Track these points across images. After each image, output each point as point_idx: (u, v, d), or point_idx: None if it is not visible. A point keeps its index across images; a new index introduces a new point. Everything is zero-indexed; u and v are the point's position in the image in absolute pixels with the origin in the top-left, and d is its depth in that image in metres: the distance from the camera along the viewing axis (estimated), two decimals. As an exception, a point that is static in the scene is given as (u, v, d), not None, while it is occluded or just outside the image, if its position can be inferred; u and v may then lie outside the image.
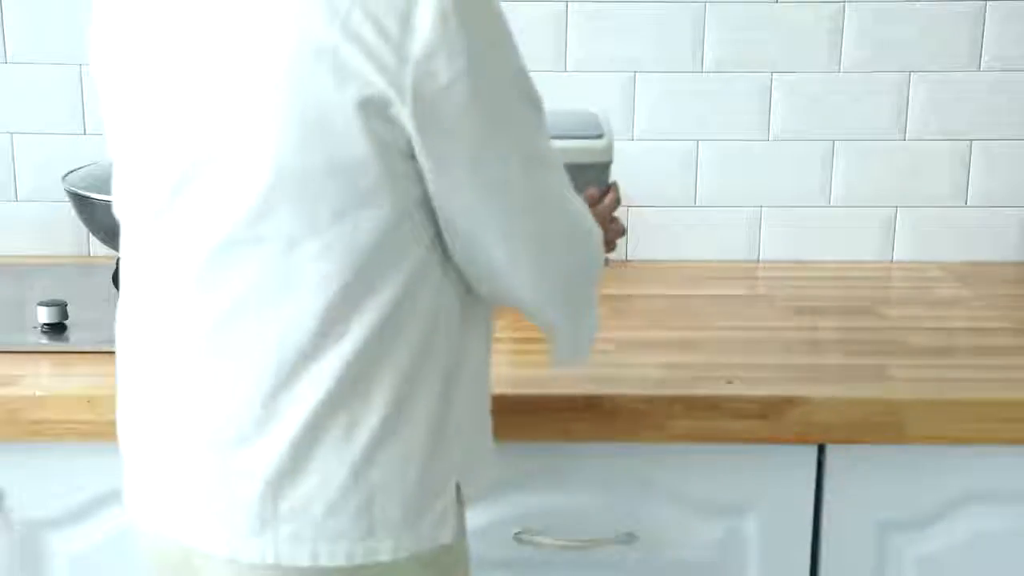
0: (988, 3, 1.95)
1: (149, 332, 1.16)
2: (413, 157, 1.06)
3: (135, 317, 1.19)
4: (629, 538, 1.49)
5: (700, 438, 1.45)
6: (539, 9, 1.90)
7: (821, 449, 1.48)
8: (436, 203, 1.09)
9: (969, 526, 1.50)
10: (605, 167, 1.52)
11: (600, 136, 1.52)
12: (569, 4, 1.90)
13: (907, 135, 2.00)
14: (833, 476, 1.49)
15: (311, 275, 1.06)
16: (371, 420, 1.09)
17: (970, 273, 1.97)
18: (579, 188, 1.20)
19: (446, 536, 1.17)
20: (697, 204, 2.01)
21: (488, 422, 1.26)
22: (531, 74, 1.11)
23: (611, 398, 1.45)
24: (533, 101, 1.11)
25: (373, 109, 1.01)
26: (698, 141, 1.99)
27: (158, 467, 1.18)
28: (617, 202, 1.48)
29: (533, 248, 1.14)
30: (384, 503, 1.11)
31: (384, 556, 1.12)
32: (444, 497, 1.16)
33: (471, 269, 1.14)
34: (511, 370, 1.48)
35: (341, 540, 1.11)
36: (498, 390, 1.33)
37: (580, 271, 1.22)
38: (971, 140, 2.00)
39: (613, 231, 1.46)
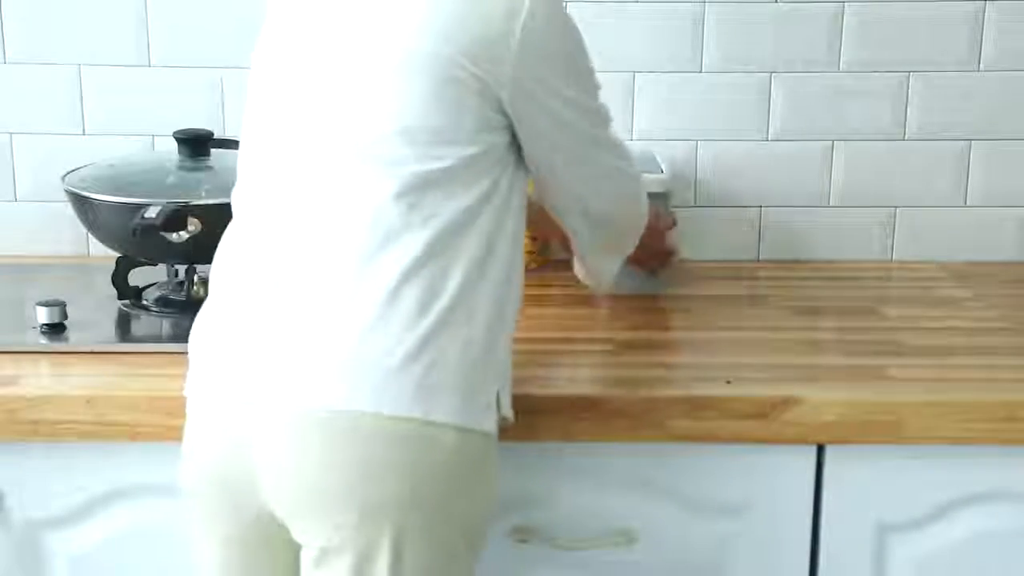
0: (988, 3, 1.95)
1: (260, 231, 1.32)
2: (503, 112, 1.29)
3: (253, 219, 1.34)
4: (629, 538, 1.49)
5: (700, 438, 1.45)
6: (539, 9, 1.90)
7: (820, 449, 1.48)
8: (522, 142, 1.33)
9: (968, 526, 1.50)
10: (667, 196, 1.81)
11: (662, 171, 1.86)
12: (569, 4, 1.90)
13: (907, 135, 2.00)
14: (832, 476, 1.49)
15: (404, 172, 1.25)
16: (445, 296, 1.24)
17: (970, 273, 1.97)
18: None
19: (489, 425, 1.28)
20: (697, 204, 2.01)
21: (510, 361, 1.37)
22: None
23: (611, 398, 1.45)
24: (597, 81, 1.39)
25: (480, 59, 1.25)
26: (697, 141, 2.00)
27: (245, 342, 1.28)
28: (673, 223, 1.79)
29: (576, 165, 1.39)
30: (445, 372, 1.24)
31: (438, 417, 1.23)
32: (489, 394, 1.28)
33: (533, 162, 1.36)
34: (511, 370, 1.48)
35: (404, 395, 1.22)
36: (498, 390, 1.34)
37: (611, 194, 1.46)
38: (971, 140, 2.00)
39: (670, 246, 1.79)
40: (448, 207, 1.25)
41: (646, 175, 1.71)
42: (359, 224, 1.25)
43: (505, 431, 1.33)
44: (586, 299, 1.78)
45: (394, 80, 1.26)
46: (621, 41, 1.94)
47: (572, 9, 1.88)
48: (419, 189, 1.25)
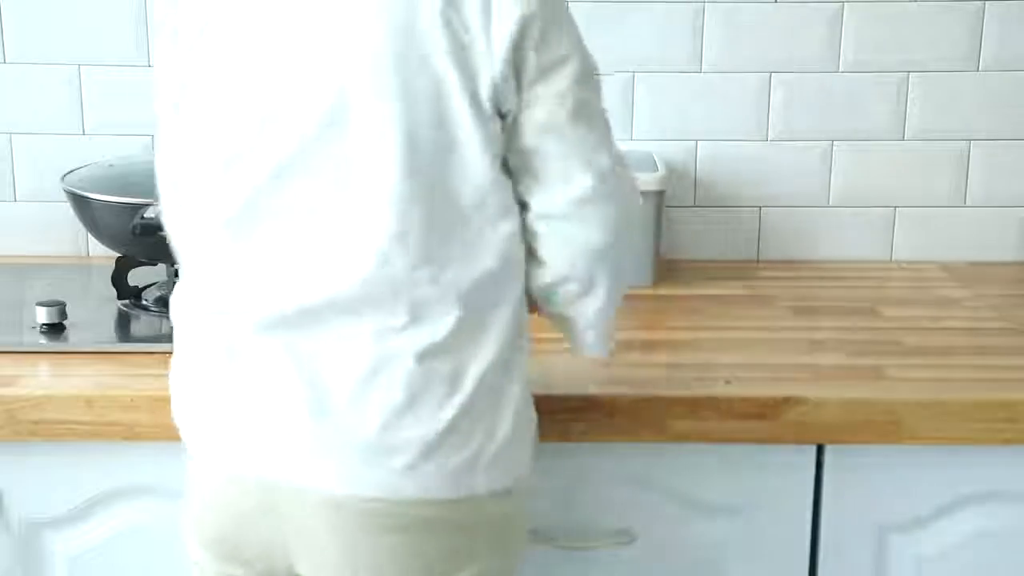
0: (988, 3, 1.95)
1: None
2: (501, 116, 1.18)
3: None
4: (628, 538, 1.49)
5: (700, 438, 1.45)
6: (539, 9, 1.89)
7: (820, 449, 1.48)
8: (520, 128, 1.21)
9: (968, 526, 1.50)
10: (661, 194, 1.86)
11: (657, 170, 1.87)
12: (568, 4, 1.90)
13: (907, 135, 2.00)
14: (832, 476, 1.49)
15: (403, 206, 1.15)
16: (476, 369, 1.19)
17: (970, 273, 1.97)
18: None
19: (525, 467, 1.26)
20: (696, 204, 2.01)
21: None
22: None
23: (611, 398, 1.45)
24: (593, 63, 1.30)
25: (467, 58, 1.16)
26: (697, 141, 1.99)
27: (251, 409, 1.21)
28: None
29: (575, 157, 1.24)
30: (484, 441, 1.20)
31: (480, 490, 1.21)
32: (529, 435, 1.27)
33: (521, 168, 1.24)
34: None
35: (446, 474, 1.18)
36: (497, 390, 1.33)
37: (602, 180, 1.28)
38: (970, 140, 2.00)
39: None
40: (472, 248, 1.18)
41: (643, 174, 1.72)
42: (384, 293, 1.17)
43: (505, 431, 1.33)
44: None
45: (384, 95, 1.15)
46: (621, 41, 1.94)
47: (573, 8, 1.89)
48: (426, 229, 1.16)
